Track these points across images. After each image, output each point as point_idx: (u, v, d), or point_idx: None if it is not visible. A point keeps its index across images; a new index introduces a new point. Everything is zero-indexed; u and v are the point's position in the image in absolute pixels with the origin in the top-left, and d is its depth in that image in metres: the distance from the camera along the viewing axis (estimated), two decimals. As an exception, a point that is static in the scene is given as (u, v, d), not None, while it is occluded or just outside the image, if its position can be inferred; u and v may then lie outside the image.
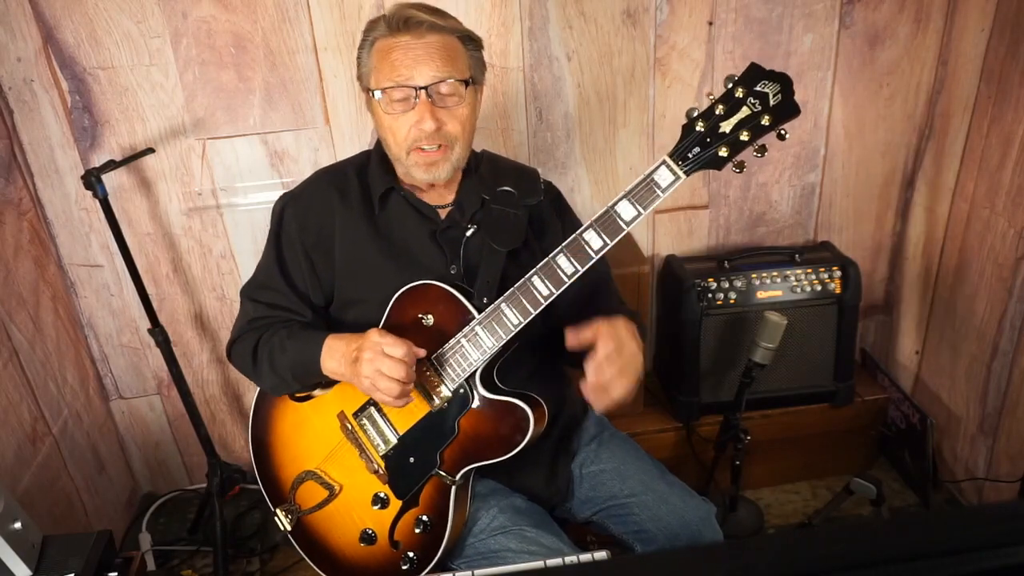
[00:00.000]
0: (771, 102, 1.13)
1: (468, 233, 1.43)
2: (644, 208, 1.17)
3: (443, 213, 1.45)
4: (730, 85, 1.15)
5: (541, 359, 1.51)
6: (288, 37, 1.97)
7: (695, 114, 1.16)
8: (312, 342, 1.37)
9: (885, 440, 2.40)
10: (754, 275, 2.14)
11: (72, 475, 2.04)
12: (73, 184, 2.03)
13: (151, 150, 1.99)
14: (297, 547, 1.50)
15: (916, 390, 2.44)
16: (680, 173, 1.16)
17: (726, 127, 1.14)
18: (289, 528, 1.48)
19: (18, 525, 1.35)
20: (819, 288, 2.15)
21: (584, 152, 2.21)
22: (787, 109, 1.13)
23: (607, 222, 1.20)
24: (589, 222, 1.21)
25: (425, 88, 1.28)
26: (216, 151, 2.07)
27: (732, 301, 2.14)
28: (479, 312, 1.31)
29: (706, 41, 2.11)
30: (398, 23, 1.29)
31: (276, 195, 2.11)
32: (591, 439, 1.57)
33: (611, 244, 1.21)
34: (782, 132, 1.14)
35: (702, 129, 1.14)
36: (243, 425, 2.43)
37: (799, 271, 2.15)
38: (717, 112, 1.14)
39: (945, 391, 2.31)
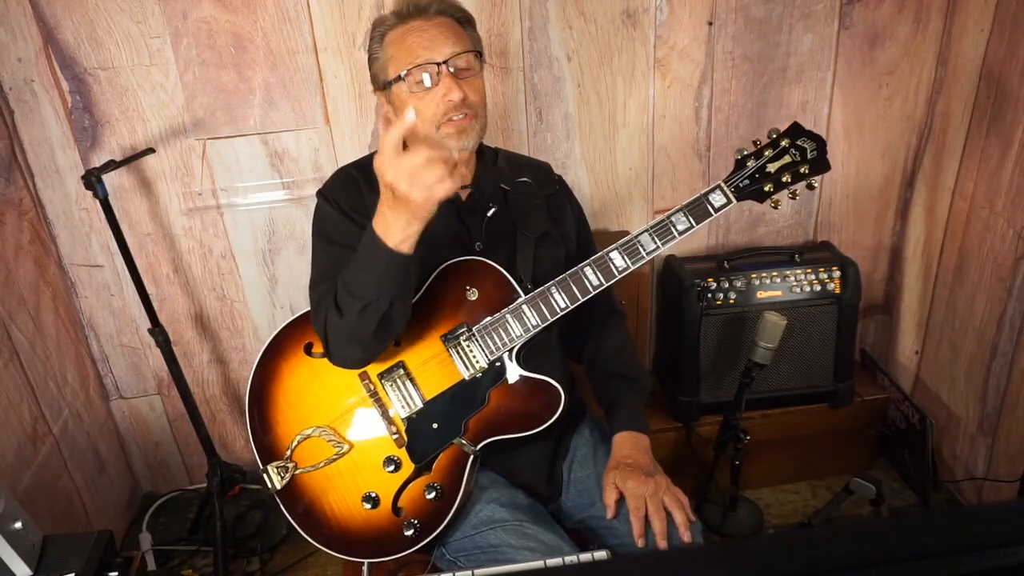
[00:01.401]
0: (808, 156, 1.35)
1: (489, 213, 1.49)
2: (696, 222, 1.35)
3: (463, 194, 1.49)
4: (775, 135, 1.36)
5: (554, 356, 1.54)
6: (288, 37, 1.97)
7: (747, 152, 1.36)
8: (365, 239, 1.26)
9: (885, 440, 2.40)
10: (754, 275, 2.15)
11: (72, 475, 2.04)
12: (73, 184, 2.03)
13: (151, 150, 1.99)
14: (283, 507, 1.46)
15: (916, 390, 2.44)
16: (732, 198, 1.35)
17: (772, 168, 1.35)
18: (279, 486, 1.44)
19: (18, 525, 1.36)
20: (819, 288, 2.15)
21: (584, 152, 2.21)
22: (821, 164, 1.35)
23: (662, 229, 1.36)
24: (646, 226, 1.37)
25: (445, 62, 1.34)
26: (216, 151, 2.07)
27: (732, 301, 2.14)
28: (524, 293, 1.39)
29: (706, 41, 2.11)
30: (408, 9, 1.38)
31: (276, 195, 2.14)
32: (585, 442, 1.58)
33: (662, 248, 1.36)
34: (812, 183, 1.36)
35: (752, 165, 1.35)
36: (244, 425, 2.44)
37: (799, 271, 2.15)
38: (766, 154, 1.35)
39: (945, 391, 2.31)
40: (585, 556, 1.29)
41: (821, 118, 2.24)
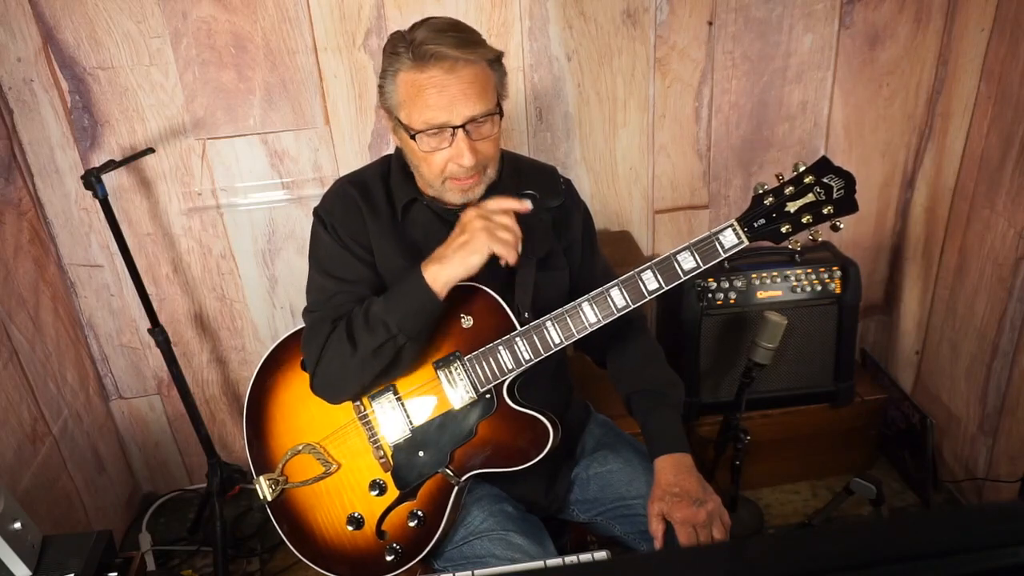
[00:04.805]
0: (834, 195, 1.21)
1: None
2: (704, 262, 1.24)
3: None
4: (801, 169, 1.22)
5: (551, 386, 1.53)
6: (288, 37, 1.97)
7: (766, 188, 1.23)
8: (406, 275, 1.30)
9: (885, 440, 2.40)
10: (754, 275, 2.14)
11: (72, 475, 2.04)
12: (73, 184, 2.03)
13: (151, 150, 1.99)
14: (273, 519, 1.47)
15: (916, 390, 2.44)
16: (744, 238, 1.23)
17: (792, 207, 1.22)
18: (270, 498, 1.45)
19: (18, 525, 1.36)
20: (819, 288, 2.15)
21: (584, 152, 2.21)
22: (847, 205, 1.21)
23: (666, 267, 1.26)
24: (649, 264, 1.27)
25: (463, 126, 1.27)
26: (216, 151, 2.07)
27: (732, 301, 2.14)
28: (520, 324, 1.32)
29: (706, 41, 2.11)
30: (429, 56, 1.24)
31: (276, 195, 2.14)
32: (597, 442, 1.57)
33: (666, 288, 1.26)
34: (837, 224, 1.22)
35: (770, 203, 1.22)
36: (243, 427, 2.43)
37: (799, 271, 2.15)
38: (786, 192, 1.22)
39: (945, 391, 2.31)
40: (585, 556, 1.29)
41: (821, 118, 2.24)
